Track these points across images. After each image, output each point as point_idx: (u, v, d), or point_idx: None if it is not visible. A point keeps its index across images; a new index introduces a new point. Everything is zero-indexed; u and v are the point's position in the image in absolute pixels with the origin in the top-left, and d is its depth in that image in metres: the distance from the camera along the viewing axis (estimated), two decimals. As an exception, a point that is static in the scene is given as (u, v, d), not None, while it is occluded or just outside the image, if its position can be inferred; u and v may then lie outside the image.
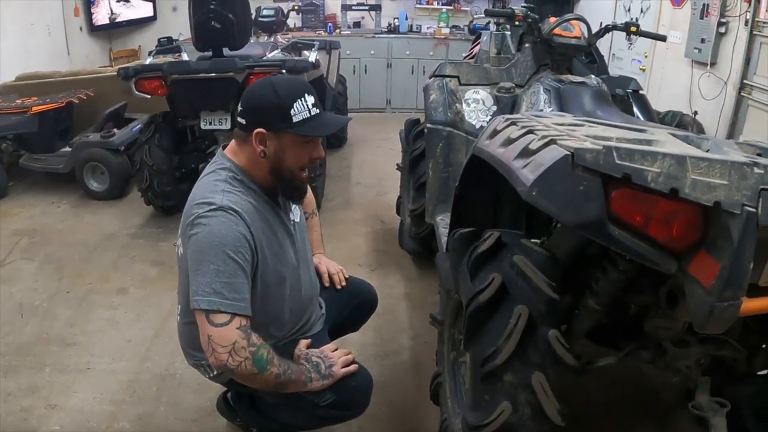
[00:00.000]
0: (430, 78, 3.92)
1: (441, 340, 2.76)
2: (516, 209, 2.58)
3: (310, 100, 2.12)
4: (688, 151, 1.68)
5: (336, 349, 2.33)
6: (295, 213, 2.42)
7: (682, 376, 2.27)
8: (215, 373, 2.34)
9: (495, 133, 2.13)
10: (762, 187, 1.57)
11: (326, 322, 2.61)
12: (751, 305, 1.66)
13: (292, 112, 2.07)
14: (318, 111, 2.14)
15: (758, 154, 1.91)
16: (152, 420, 2.93)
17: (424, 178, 3.78)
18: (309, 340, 2.34)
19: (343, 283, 2.76)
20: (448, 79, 3.82)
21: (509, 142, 1.98)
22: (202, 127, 4.93)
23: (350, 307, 2.78)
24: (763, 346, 2.38)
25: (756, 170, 1.59)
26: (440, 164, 3.59)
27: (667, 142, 1.83)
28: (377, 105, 9.77)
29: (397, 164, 4.91)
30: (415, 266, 4.53)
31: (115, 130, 5.89)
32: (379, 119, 9.19)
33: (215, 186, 2.11)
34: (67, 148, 5.93)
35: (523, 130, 1.95)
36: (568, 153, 1.65)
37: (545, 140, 1.78)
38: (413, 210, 4.03)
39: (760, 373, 2.46)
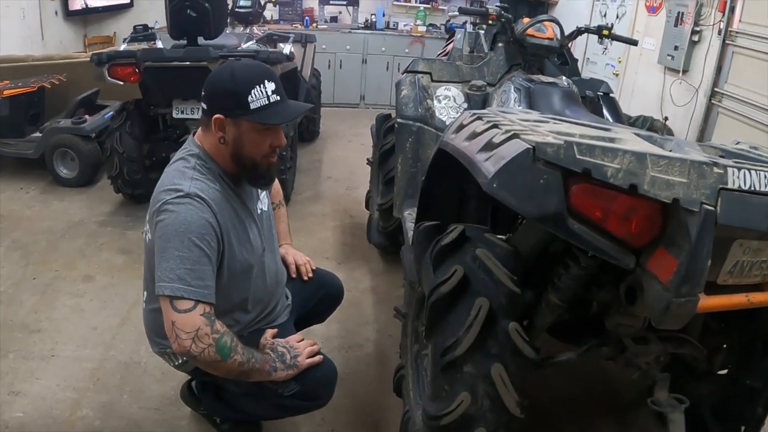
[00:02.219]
0: (402, 74, 3.92)
1: (404, 332, 2.78)
2: (481, 205, 2.59)
3: (270, 86, 2.09)
4: (648, 149, 1.71)
5: (302, 340, 2.33)
6: (263, 202, 2.42)
7: (642, 372, 2.30)
8: (180, 361, 2.34)
9: (461, 127, 2.15)
10: (721, 186, 1.61)
11: (292, 313, 2.61)
12: (708, 302, 1.70)
13: (249, 98, 2.05)
14: (278, 98, 2.12)
15: (721, 156, 1.94)
16: (115, 408, 2.90)
17: (393, 172, 3.79)
18: (275, 330, 2.34)
19: (310, 274, 2.76)
20: (420, 75, 3.82)
21: (474, 135, 1.99)
22: (174, 115, 4.90)
23: (316, 299, 2.79)
24: (724, 346, 2.46)
25: (716, 170, 1.63)
26: (409, 159, 3.60)
27: (629, 140, 1.86)
28: (351, 100, 9.78)
29: (368, 159, 4.92)
30: (381, 260, 4.55)
31: (87, 116, 5.81)
32: (352, 114, 9.20)
33: (183, 173, 2.11)
34: (38, 134, 5.82)
35: (488, 125, 1.97)
36: (530, 147, 1.67)
37: (508, 134, 1.80)
38: (382, 204, 4.04)
39: (719, 372, 2.53)
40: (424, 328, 2.12)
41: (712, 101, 5.74)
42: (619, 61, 7.36)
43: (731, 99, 5.51)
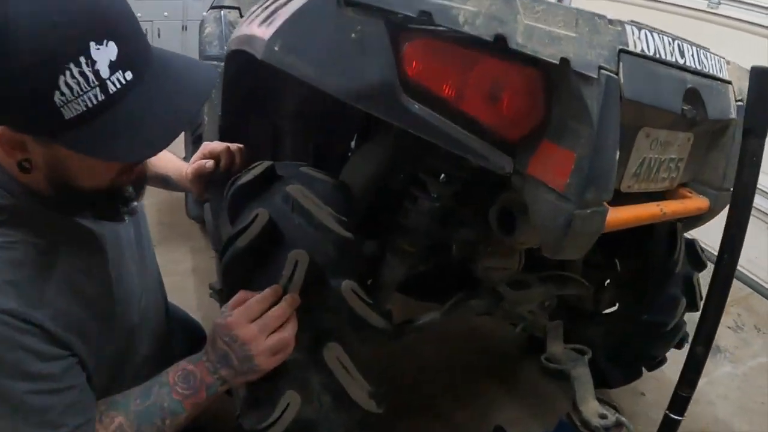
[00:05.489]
0: (207, 11, 3.50)
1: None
2: (300, 143, 2.08)
3: (107, 53, 0.99)
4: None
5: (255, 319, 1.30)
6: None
7: (528, 323, 2.09)
8: None
9: (244, 20, 1.67)
10: (621, 47, 1.14)
11: None
12: (619, 215, 1.24)
13: (56, 100, 0.95)
14: (131, 77, 1.03)
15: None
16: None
17: (201, 129, 3.19)
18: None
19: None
20: (227, 10, 3.35)
21: (256, 16, 1.47)
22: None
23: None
24: (607, 282, 2.29)
25: (611, 27, 1.15)
26: (216, 107, 3.01)
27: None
28: (172, 72, 9.03)
29: (180, 126, 4.28)
30: (203, 236, 4.05)
31: None
32: (175, 87, 8.48)
33: None
34: None
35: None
36: None
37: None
38: (193, 167, 3.43)
39: (606, 311, 2.36)
40: (220, 300, 1.53)
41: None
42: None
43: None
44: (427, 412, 2.49)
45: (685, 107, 1.32)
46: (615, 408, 1.84)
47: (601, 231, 1.15)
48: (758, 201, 2.94)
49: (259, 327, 1.27)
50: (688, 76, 1.34)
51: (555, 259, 1.21)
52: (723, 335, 3.21)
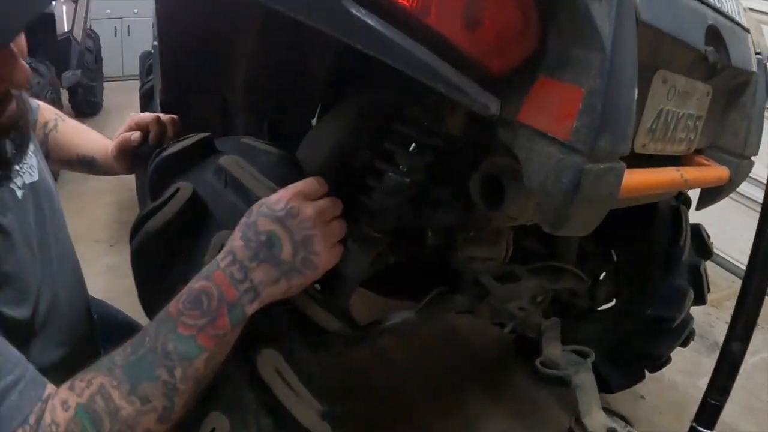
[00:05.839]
0: None
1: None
2: (254, 120, 1.82)
3: None
4: None
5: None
6: (31, 170, 1.23)
7: (518, 323, 1.89)
8: None
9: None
10: None
11: None
12: (635, 178, 1.00)
13: None
14: None
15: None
16: None
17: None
18: None
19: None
20: None
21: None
22: None
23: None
24: (603, 274, 2.15)
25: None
26: (169, 91, 2.81)
27: None
28: (142, 71, 8.82)
29: (139, 117, 4.09)
30: (162, 236, 3.76)
31: None
32: (143, 86, 8.31)
33: None
34: None
35: None
36: None
37: None
38: (150, 158, 3.21)
39: (602, 308, 2.22)
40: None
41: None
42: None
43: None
44: (404, 425, 2.32)
45: (707, 48, 1.13)
46: (624, 419, 1.68)
47: (616, 198, 0.89)
48: (755, 192, 2.82)
49: (326, 202, 1.02)
50: (709, 12, 1.17)
51: (557, 234, 0.94)
52: (720, 331, 3.05)
